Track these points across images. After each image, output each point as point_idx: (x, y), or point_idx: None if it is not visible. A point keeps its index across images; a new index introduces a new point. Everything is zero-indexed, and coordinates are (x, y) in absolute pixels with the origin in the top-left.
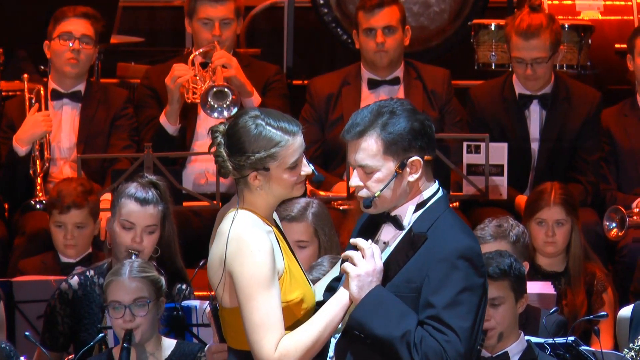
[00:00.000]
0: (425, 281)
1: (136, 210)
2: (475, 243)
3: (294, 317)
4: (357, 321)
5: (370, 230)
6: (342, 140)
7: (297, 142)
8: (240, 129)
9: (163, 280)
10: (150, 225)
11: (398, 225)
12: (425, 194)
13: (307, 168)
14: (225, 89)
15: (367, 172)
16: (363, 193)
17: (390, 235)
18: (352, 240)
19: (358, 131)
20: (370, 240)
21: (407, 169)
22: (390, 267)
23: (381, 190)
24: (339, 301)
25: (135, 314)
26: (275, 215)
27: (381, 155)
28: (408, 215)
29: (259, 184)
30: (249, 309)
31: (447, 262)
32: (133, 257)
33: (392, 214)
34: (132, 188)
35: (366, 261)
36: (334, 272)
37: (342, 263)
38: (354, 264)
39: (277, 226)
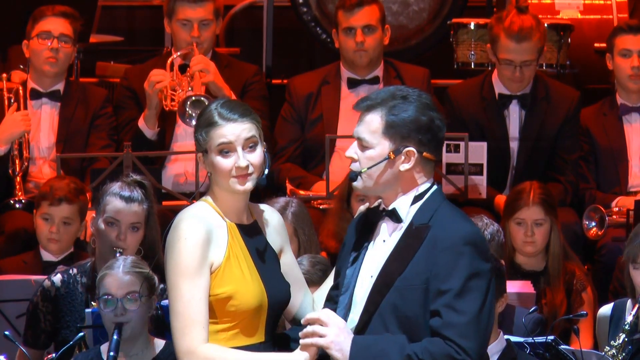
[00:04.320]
0: (434, 271)
1: (121, 207)
2: (477, 229)
3: (218, 310)
4: None
5: (365, 231)
6: (355, 110)
7: (231, 127)
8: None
9: (156, 278)
10: (134, 222)
11: (396, 218)
12: (421, 188)
13: (241, 161)
14: (202, 98)
15: (363, 147)
16: (354, 166)
17: (389, 231)
18: (304, 319)
19: (367, 104)
20: (321, 310)
21: (401, 157)
22: (396, 262)
23: (369, 168)
24: (288, 358)
25: (127, 307)
26: (272, 216)
27: (380, 134)
28: (405, 207)
29: (207, 168)
30: (172, 296)
31: (453, 250)
32: (117, 254)
33: (390, 207)
34: (117, 187)
35: (329, 326)
36: (330, 282)
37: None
38: (322, 335)
39: (249, 224)
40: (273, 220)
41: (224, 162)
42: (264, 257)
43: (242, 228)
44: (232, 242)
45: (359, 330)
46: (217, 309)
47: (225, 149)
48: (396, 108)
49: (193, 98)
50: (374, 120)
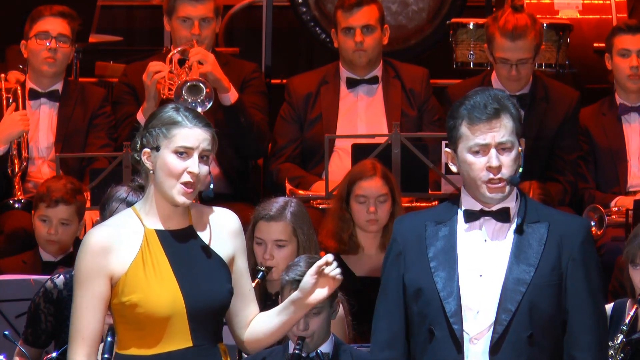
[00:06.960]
0: (570, 265)
1: None
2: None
3: (128, 316)
4: None
5: (438, 236)
6: (477, 122)
7: (196, 133)
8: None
9: None
10: None
11: (505, 218)
12: None
13: (194, 167)
14: (199, 84)
15: (505, 150)
16: (505, 174)
17: (493, 230)
18: None
19: (496, 108)
20: None
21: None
22: (524, 260)
23: (522, 167)
24: None
25: None
26: (227, 221)
27: (516, 133)
28: (512, 205)
29: (151, 166)
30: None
31: (586, 242)
32: None
33: (499, 206)
34: (124, 192)
35: None
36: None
37: None
38: None
39: (180, 229)
40: (227, 226)
41: (178, 163)
42: (192, 263)
43: (167, 233)
44: (145, 249)
45: (502, 333)
46: (127, 316)
47: (183, 151)
48: (513, 105)
49: (188, 83)
50: (509, 122)
